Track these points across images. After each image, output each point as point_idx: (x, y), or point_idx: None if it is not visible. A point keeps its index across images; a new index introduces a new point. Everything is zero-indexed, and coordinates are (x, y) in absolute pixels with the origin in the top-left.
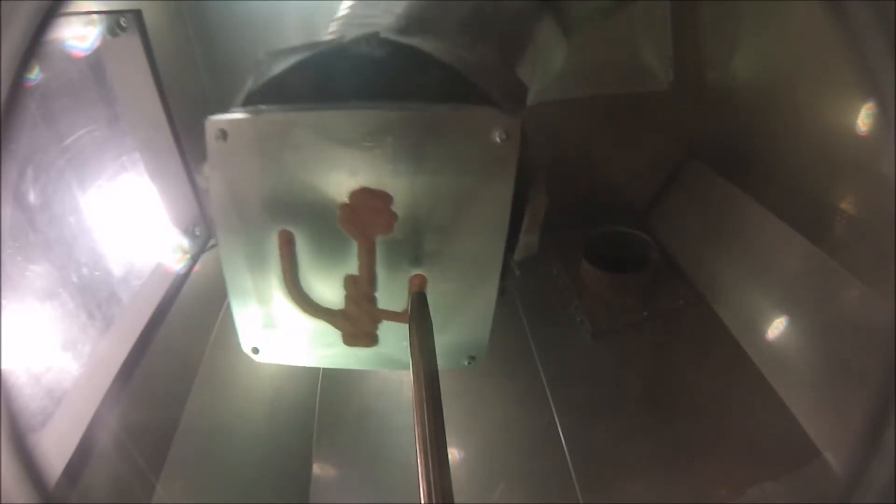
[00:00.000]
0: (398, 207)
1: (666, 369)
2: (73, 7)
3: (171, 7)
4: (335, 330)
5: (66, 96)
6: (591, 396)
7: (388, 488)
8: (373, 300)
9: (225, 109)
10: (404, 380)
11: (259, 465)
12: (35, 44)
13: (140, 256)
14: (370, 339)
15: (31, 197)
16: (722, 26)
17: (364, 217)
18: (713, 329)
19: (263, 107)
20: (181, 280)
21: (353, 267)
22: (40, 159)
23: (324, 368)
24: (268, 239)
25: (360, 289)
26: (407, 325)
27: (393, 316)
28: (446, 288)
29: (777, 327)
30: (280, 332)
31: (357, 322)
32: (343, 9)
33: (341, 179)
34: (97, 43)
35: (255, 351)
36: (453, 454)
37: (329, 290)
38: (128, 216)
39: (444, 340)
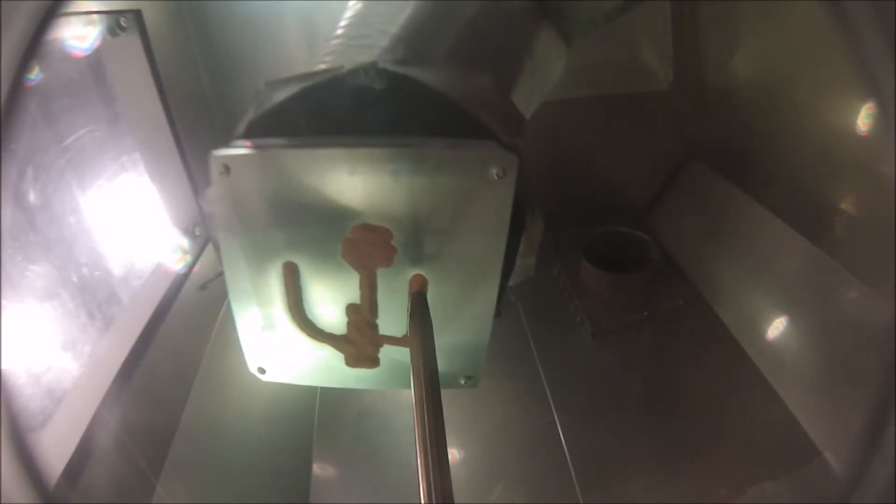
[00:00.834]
0: (398, 241)
1: (666, 369)
2: (73, 7)
3: (171, 7)
4: (338, 352)
5: (66, 96)
6: (591, 396)
7: (388, 488)
8: (374, 326)
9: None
10: None
11: (259, 465)
12: (35, 44)
13: (140, 256)
14: (372, 362)
15: (31, 197)
16: (722, 26)
17: (365, 251)
18: (713, 329)
19: (265, 140)
20: (181, 280)
21: (355, 296)
22: (40, 159)
23: None
24: (272, 269)
25: (362, 316)
26: (407, 349)
27: (393, 341)
28: (443, 311)
29: (777, 327)
30: (285, 354)
31: (359, 346)
32: (339, 28)
33: (342, 214)
34: (97, 43)
35: (262, 371)
36: (453, 454)
37: (332, 316)
38: (128, 216)
39: (440, 360)
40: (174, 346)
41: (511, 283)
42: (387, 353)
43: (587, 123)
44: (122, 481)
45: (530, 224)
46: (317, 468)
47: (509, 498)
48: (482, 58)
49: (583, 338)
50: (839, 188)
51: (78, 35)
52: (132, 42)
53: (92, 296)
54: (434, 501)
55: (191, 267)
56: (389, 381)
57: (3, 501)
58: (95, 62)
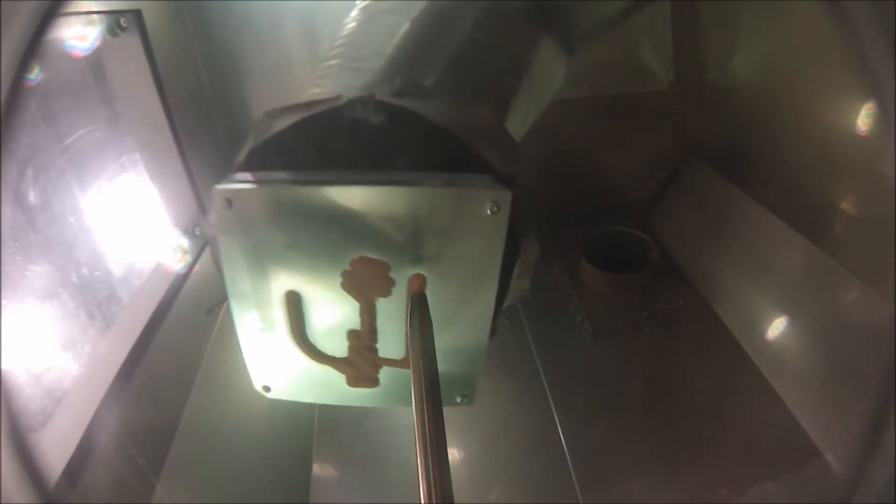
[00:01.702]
0: (396, 273)
1: (666, 369)
2: (73, 7)
3: (171, 7)
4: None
5: (66, 96)
6: (591, 396)
7: (388, 488)
8: (374, 350)
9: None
10: None
11: (259, 465)
12: (35, 44)
13: (140, 256)
14: (372, 382)
15: (31, 197)
16: (722, 26)
17: (364, 282)
18: (713, 329)
19: (267, 174)
20: (181, 280)
21: (355, 322)
22: (40, 159)
23: None
24: (275, 296)
25: (363, 341)
26: (405, 369)
27: (393, 363)
28: (439, 333)
29: (777, 327)
30: (289, 373)
31: (360, 368)
32: (336, 47)
33: (342, 247)
34: (97, 43)
35: (267, 389)
36: (453, 454)
37: (334, 339)
38: (128, 216)
39: None
40: (174, 346)
41: (506, 304)
42: (386, 372)
43: (587, 123)
44: (122, 481)
45: (526, 247)
46: (317, 468)
47: (509, 498)
48: (477, 80)
49: (583, 338)
50: (839, 188)
51: (78, 35)
52: (132, 42)
53: (92, 296)
54: (434, 501)
55: (191, 267)
56: (390, 398)
57: (3, 501)
58: (95, 62)
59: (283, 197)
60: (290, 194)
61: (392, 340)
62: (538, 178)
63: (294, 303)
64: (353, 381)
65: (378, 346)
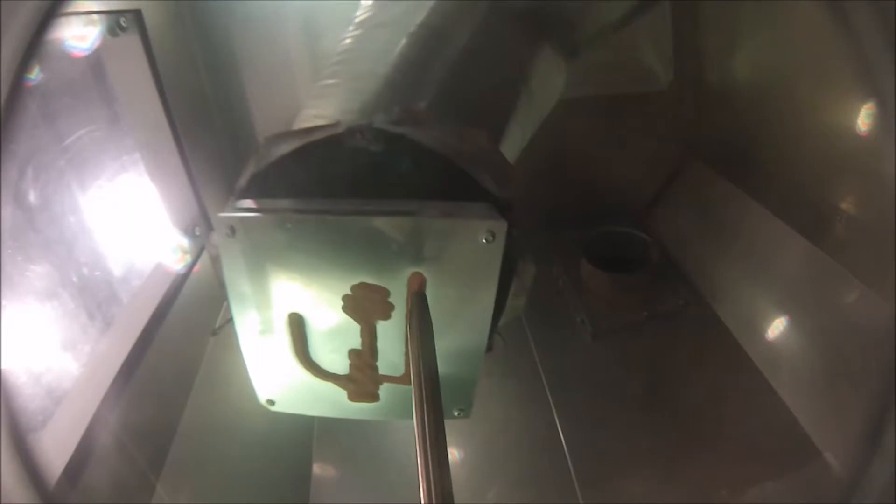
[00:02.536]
0: (394, 298)
1: (666, 369)
2: (73, 7)
3: (171, 7)
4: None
5: (66, 96)
6: (591, 396)
7: (388, 488)
8: (375, 368)
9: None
10: None
11: (259, 465)
12: (35, 44)
13: (140, 256)
14: (373, 397)
15: (31, 197)
16: (722, 26)
17: (364, 305)
18: (713, 329)
19: (269, 203)
20: (181, 280)
21: (356, 342)
22: (40, 159)
23: None
24: (278, 318)
25: (364, 360)
26: (405, 385)
27: (393, 380)
28: (437, 350)
29: (777, 327)
30: (292, 388)
31: (361, 384)
32: (333, 64)
33: (343, 273)
34: (97, 43)
35: (271, 403)
36: (453, 454)
37: (336, 357)
38: (128, 216)
39: None
40: (174, 346)
41: (501, 321)
42: (386, 387)
43: (587, 123)
44: (122, 481)
45: (521, 269)
46: (317, 468)
47: (509, 498)
48: (474, 99)
49: (583, 338)
50: (839, 188)
51: (78, 35)
52: (132, 42)
53: (92, 296)
54: (434, 501)
55: (191, 267)
56: (390, 412)
57: (3, 501)
58: (95, 62)
59: (286, 226)
60: (293, 223)
61: (392, 357)
62: (538, 178)
63: (297, 324)
64: (355, 397)
65: (378, 363)
